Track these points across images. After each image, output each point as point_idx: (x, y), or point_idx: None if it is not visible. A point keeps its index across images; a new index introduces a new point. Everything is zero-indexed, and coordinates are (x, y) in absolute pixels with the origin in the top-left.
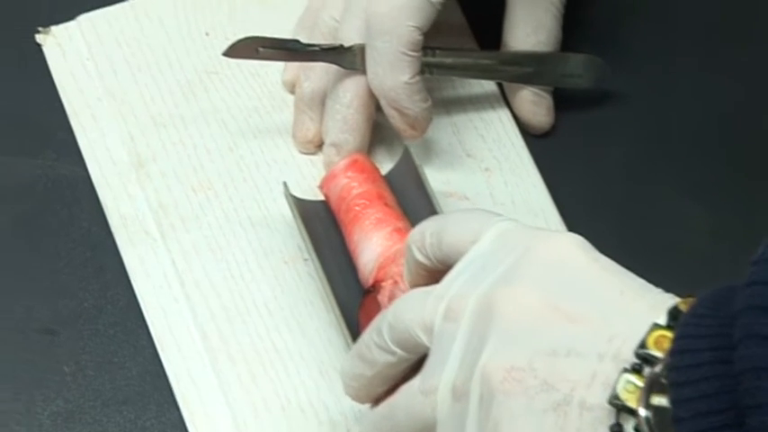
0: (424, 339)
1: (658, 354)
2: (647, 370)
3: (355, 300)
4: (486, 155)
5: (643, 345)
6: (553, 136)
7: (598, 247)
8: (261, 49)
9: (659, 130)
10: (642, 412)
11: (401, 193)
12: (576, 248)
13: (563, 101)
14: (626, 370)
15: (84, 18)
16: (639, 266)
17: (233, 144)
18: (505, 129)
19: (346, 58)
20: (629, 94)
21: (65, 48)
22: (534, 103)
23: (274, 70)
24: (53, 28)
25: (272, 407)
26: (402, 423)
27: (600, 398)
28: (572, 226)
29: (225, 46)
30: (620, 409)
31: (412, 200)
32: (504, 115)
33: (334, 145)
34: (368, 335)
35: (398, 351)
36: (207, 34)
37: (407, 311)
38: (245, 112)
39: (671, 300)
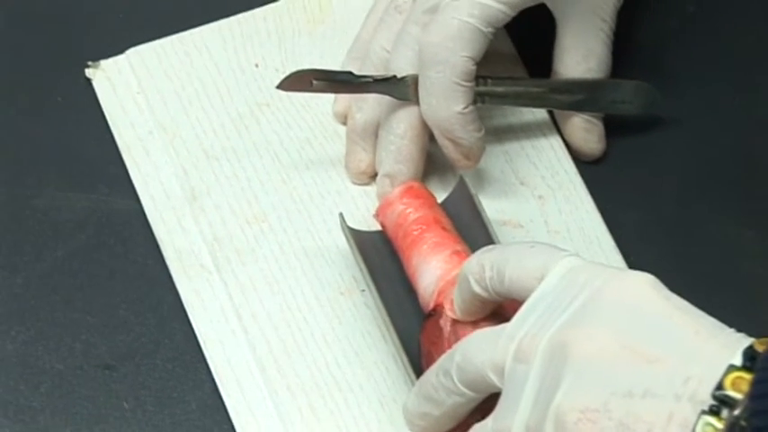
0: (496, 381)
1: (736, 395)
2: (725, 412)
3: (414, 329)
4: (539, 182)
5: (720, 386)
6: (604, 162)
7: (653, 272)
8: (314, 82)
9: (710, 154)
10: None
11: (456, 222)
12: (648, 288)
13: (613, 127)
14: (704, 412)
15: (132, 52)
16: (694, 293)
17: (286, 176)
18: (557, 156)
19: (399, 88)
20: (679, 118)
21: (114, 82)
22: (586, 130)
23: (325, 101)
24: (102, 62)
25: None
26: None
27: None
28: (626, 252)
29: (275, 77)
30: None
31: (467, 228)
32: (555, 142)
33: (388, 176)
34: (434, 376)
35: (468, 392)
36: (257, 66)
37: (478, 353)
38: (298, 144)
39: (744, 339)
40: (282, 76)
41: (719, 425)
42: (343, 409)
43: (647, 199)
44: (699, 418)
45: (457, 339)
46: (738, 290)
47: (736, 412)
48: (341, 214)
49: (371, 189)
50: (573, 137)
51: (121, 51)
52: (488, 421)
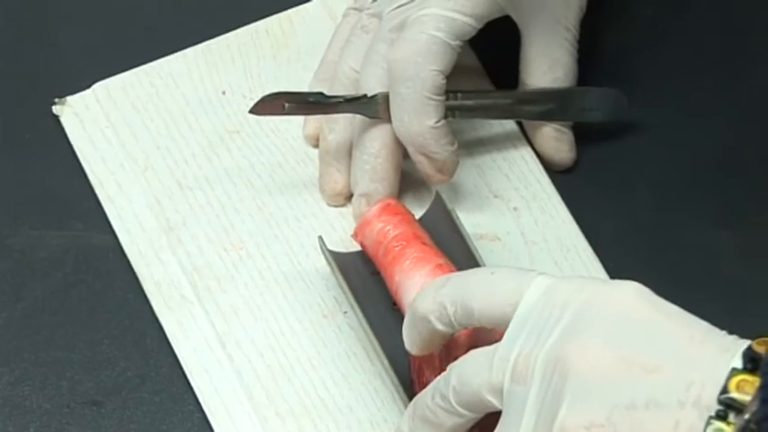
0: (495, 402)
1: (742, 398)
2: (731, 416)
3: (400, 347)
4: (513, 194)
5: (725, 390)
6: (576, 171)
7: (632, 278)
8: (286, 105)
9: (681, 157)
10: None
11: (435, 238)
12: (636, 296)
13: (582, 135)
14: (712, 417)
15: (98, 86)
16: (675, 297)
17: (261, 202)
18: (529, 167)
19: (370, 107)
20: (647, 123)
21: (82, 117)
22: (556, 140)
23: (295, 125)
24: (69, 98)
25: None
26: None
27: None
28: (604, 260)
29: (242, 104)
30: None
31: (446, 243)
32: (526, 153)
33: (364, 195)
34: (430, 399)
35: (467, 413)
36: (224, 93)
37: (474, 376)
38: (270, 169)
39: (738, 341)
40: (250, 102)
41: (729, 429)
42: None
43: (621, 205)
44: (707, 424)
45: (448, 353)
46: (718, 291)
47: (747, 416)
48: (320, 237)
49: (347, 210)
50: (544, 147)
51: (87, 86)
52: None
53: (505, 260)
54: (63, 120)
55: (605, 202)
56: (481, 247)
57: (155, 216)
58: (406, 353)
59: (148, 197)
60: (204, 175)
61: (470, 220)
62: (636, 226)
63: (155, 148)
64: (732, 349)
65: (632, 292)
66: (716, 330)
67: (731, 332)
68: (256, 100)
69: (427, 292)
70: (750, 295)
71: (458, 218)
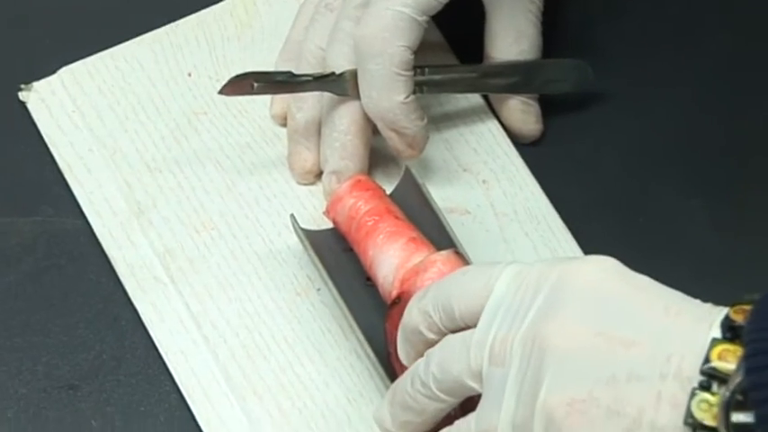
0: (476, 387)
1: (724, 367)
2: (715, 386)
3: (374, 322)
4: (482, 167)
5: (707, 361)
6: (543, 143)
7: (602, 247)
8: (255, 84)
9: (647, 126)
10: (723, 430)
11: (406, 213)
12: (608, 271)
13: (548, 107)
14: (696, 389)
15: (64, 71)
16: (645, 264)
17: (230, 182)
18: (497, 140)
19: (338, 85)
20: (613, 93)
21: (49, 103)
22: (523, 112)
23: (261, 105)
24: (35, 84)
25: None
26: None
27: (670, 417)
28: (574, 230)
29: (209, 85)
30: (697, 427)
31: (418, 218)
32: (493, 126)
33: (334, 173)
34: (410, 385)
35: (449, 399)
36: (189, 75)
37: (453, 363)
38: (238, 149)
39: (713, 309)
40: (216, 84)
41: (714, 400)
42: (311, 408)
43: (589, 175)
44: (692, 395)
45: None
46: (689, 259)
47: (732, 386)
48: (292, 215)
49: (317, 188)
50: (510, 119)
51: (53, 71)
52: (471, 422)
53: (476, 233)
54: (30, 106)
55: (573, 173)
56: (452, 221)
57: (125, 199)
58: (383, 326)
59: (118, 180)
60: (173, 157)
61: (440, 194)
62: (605, 196)
63: (123, 131)
64: (708, 318)
65: (602, 267)
66: (690, 299)
67: (704, 300)
68: (223, 81)
69: (411, 305)
70: (720, 263)
71: (428, 192)
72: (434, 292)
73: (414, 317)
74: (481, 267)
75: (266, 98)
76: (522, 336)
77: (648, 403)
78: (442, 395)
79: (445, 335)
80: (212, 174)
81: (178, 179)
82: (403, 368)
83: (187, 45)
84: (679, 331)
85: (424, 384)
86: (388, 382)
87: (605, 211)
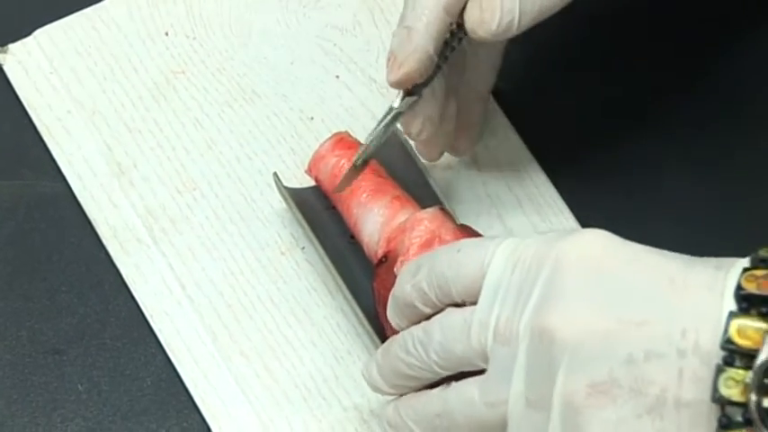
0: (481, 364)
1: (746, 344)
2: (737, 360)
3: (360, 280)
4: None
5: (728, 339)
6: (523, 91)
7: (587, 200)
8: (359, 163)
9: (618, 76)
10: (754, 408)
11: (388, 170)
12: (604, 246)
13: (534, 60)
14: (720, 366)
15: (40, 32)
16: (623, 208)
17: (210, 141)
18: None
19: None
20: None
21: (25, 65)
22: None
23: (240, 64)
24: (10, 46)
25: (293, 399)
26: (461, 424)
27: (695, 393)
28: (555, 179)
29: (186, 44)
30: (725, 404)
31: (400, 175)
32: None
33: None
34: (405, 354)
35: (449, 373)
36: (166, 34)
37: (455, 344)
38: (218, 108)
39: (718, 274)
40: (194, 42)
41: (740, 376)
42: (299, 368)
43: (569, 124)
44: (718, 373)
45: None
46: (664, 203)
47: (759, 363)
48: (275, 174)
49: (299, 146)
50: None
51: (29, 33)
52: (473, 391)
53: (460, 188)
54: (6, 68)
55: (553, 121)
56: (435, 175)
57: (105, 160)
58: (369, 284)
59: (97, 142)
60: (152, 117)
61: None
62: (585, 143)
63: (101, 92)
64: (716, 286)
65: (599, 242)
66: (692, 264)
67: (683, 246)
68: (200, 39)
69: (404, 279)
70: (695, 207)
71: (411, 149)
72: (428, 268)
73: (408, 292)
74: (474, 244)
75: (245, 56)
76: (527, 322)
77: (671, 381)
78: (442, 371)
79: (439, 307)
80: (192, 133)
81: (158, 139)
82: (392, 327)
83: (164, 4)
84: (689, 304)
85: (423, 362)
86: (376, 339)
87: (588, 164)
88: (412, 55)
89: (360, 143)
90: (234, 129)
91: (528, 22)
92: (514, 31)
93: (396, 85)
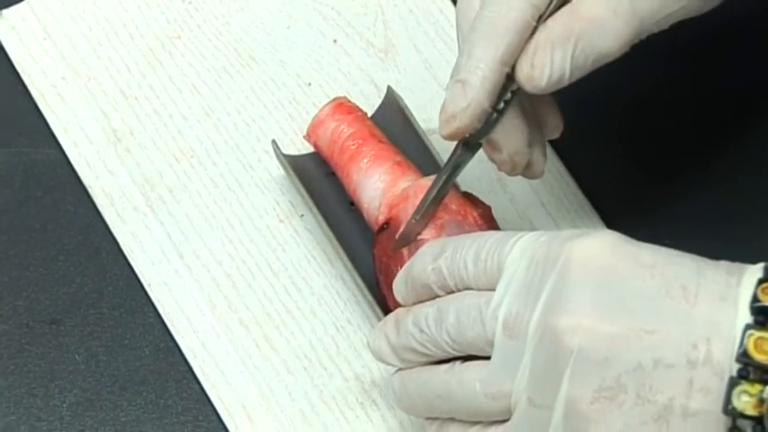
0: (488, 351)
1: (762, 359)
2: (752, 373)
3: (359, 247)
4: None
5: (745, 353)
6: None
7: (591, 167)
8: (416, 219)
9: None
10: None
11: (388, 136)
12: (614, 249)
13: None
14: (735, 380)
15: None
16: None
17: (208, 108)
18: None
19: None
20: None
21: (19, 30)
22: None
23: (237, 29)
24: (4, 12)
25: (293, 368)
26: (462, 409)
27: (703, 403)
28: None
29: (181, 8)
30: (738, 417)
31: (401, 140)
32: None
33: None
34: (418, 332)
35: (460, 354)
36: None
37: (468, 329)
38: (215, 74)
39: (731, 280)
40: (189, 6)
41: (753, 390)
42: (299, 337)
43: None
44: (732, 386)
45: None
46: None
47: None
48: (273, 141)
49: (296, 112)
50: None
51: None
52: (475, 382)
53: None
54: (0, 35)
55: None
56: (435, 143)
57: (101, 127)
58: (369, 252)
59: (93, 108)
60: (148, 84)
61: (421, 116)
62: (593, 115)
63: (96, 57)
64: (730, 296)
65: (609, 245)
66: (703, 269)
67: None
68: (195, 3)
69: (425, 261)
70: (715, 203)
71: (411, 114)
72: (451, 255)
73: (427, 274)
74: (498, 238)
75: (244, 22)
76: (536, 322)
77: (679, 390)
78: (453, 352)
79: (451, 289)
80: (189, 99)
81: (154, 106)
82: (394, 297)
83: None
84: (701, 314)
85: (434, 342)
86: (377, 308)
87: (593, 130)
88: (465, 111)
89: (359, 108)
90: (231, 95)
91: (579, 75)
92: (565, 84)
93: (448, 138)
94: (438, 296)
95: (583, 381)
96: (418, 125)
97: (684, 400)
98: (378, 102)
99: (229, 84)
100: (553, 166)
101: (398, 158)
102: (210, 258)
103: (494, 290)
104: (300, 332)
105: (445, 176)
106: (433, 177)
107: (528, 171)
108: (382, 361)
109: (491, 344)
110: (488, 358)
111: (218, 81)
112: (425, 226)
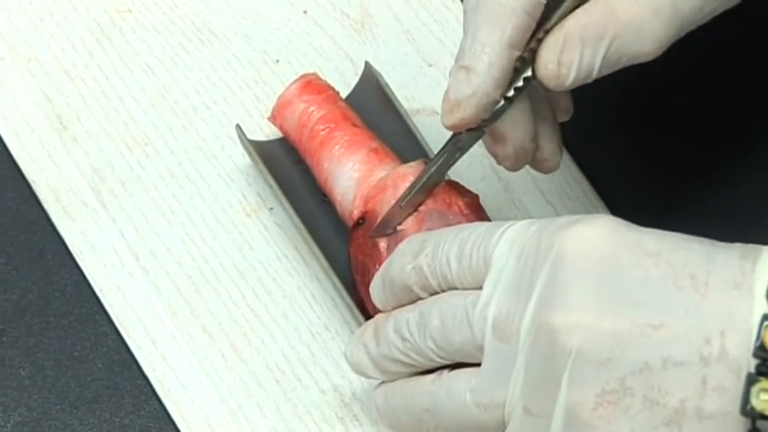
0: (478, 356)
1: None
2: None
3: (333, 243)
4: (450, 62)
5: (761, 344)
6: None
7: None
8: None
9: None
10: None
11: (366, 117)
12: (613, 235)
13: None
14: (753, 376)
15: None
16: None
17: (163, 89)
18: None
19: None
20: None
21: None
22: None
23: (196, 1)
24: None
25: (264, 382)
26: (451, 423)
27: (720, 405)
28: None
29: None
30: (757, 417)
31: (380, 122)
32: (460, 14)
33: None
34: (400, 341)
35: (446, 362)
36: None
37: (454, 333)
38: (171, 51)
39: (745, 265)
40: None
41: None
42: (270, 346)
43: None
44: (750, 383)
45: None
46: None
47: None
48: (238, 125)
49: (263, 93)
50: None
51: None
52: (465, 393)
53: (445, 135)
54: None
55: None
56: (419, 124)
57: (44, 113)
58: (345, 249)
59: (35, 92)
60: (96, 63)
61: (403, 94)
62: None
63: (37, 35)
64: (744, 284)
65: (607, 231)
66: (714, 254)
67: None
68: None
69: (403, 259)
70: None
71: (391, 92)
72: (432, 251)
73: (407, 274)
74: (484, 230)
75: None
76: (529, 320)
77: (692, 390)
78: (440, 360)
79: (437, 293)
80: (142, 80)
81: (103, 88)
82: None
83: None
84: (714, 305)
85: (419, 350)
86: (356, 312)
87: (597, 111)
88: (470, 100)
89: (330, 87)
90: (189, 75)
91: (607, 71)
92: (590, 80)
93: (451, 128)
94: (420, 298)
95: (583, 384)
96: (400, 105)
97: (698, 402)
98: (354, 80)
99: (187, 62)
100: None
101: (375, 144)
102: (169, 259)
103: (481, 288)
104: (272, 340)
105: (441, 160)
106: (414, 164)
107: (543, 164)
108: (362, 374)
109: (481, 348)
110: (479, 365)
111: (174, 59)
112: (409, 214)
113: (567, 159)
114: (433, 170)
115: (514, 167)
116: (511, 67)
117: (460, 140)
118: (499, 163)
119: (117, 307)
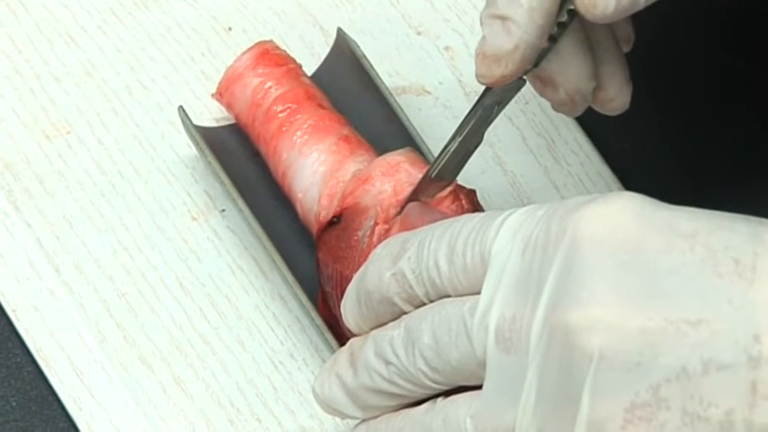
0: (481, 374)
1: None
2: None
3: (296, 249)
4: (443, 29)
5: None
6: None
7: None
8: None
9: None
10: None
11: (337, 96)
12: (638, 215)
13: None
14: None
15: None
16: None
17: (89, 65)
18: None
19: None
20: None
21: None
22: None
23: None
24: None
25: (215, 422)
26: None
27: None
28: None
29: None
30: None
31: (353, 104)
32: None
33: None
34: (382, 366)
35: (443, 388)
36: None
37: (451, 350)
38: (98, 18)
39: None
40: None
41: None
42: (222, 379)
43: None
44: None
45: None
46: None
47: None
48: (181, 108)
49: (211, 68)
50: None
51: None
52: (465, 420)
53: (439, 118)
54: None
55: None
56: (407, 104)
57: None
58: (312, 257)
59: None
60: (7, 34)
61: (386, 69)
62: None
63: None
64: None
65: (630, 211)
66: (763, 234)
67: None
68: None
69: (380, 265)
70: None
71: (370, 66)
72: (416, 252)
73: (385, 284)
74: (478, 222)
75: None
76: (540, 324)
77: (740, 399)
78: (434, 385)
79: (425, 304)
80: (63, 55)
81: (15, 65)
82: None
83: None
84: (762, 295)
85: (407, 375)
86: (329, 336)
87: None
88: (512, 54)
89: (291, 59)
90: (121, 47)
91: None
92: (640, 7)
93: (490, 86)
94: (404, 312)
95: (608, 397)
96: (381, 82)
97: (747, 413)
98: (324, 51)
99: (119, 31)
100: (570, 135)
101: (346, 131)
102: (97, 272)
103: (479, 292)
104: (224, 371)
105: (475, 118)
106: (403, 151)
107: (608, 104)
108: (336, 413)
109: (483, 364)
110: (480, 387)
111: (101, 27)
112: (442, 189)
113: (587, 148)
114: (467, 130)
115: (573, 113)
116: (555, 6)
117: (496, 93)
118: (556, 109)
119: (33, 331)
